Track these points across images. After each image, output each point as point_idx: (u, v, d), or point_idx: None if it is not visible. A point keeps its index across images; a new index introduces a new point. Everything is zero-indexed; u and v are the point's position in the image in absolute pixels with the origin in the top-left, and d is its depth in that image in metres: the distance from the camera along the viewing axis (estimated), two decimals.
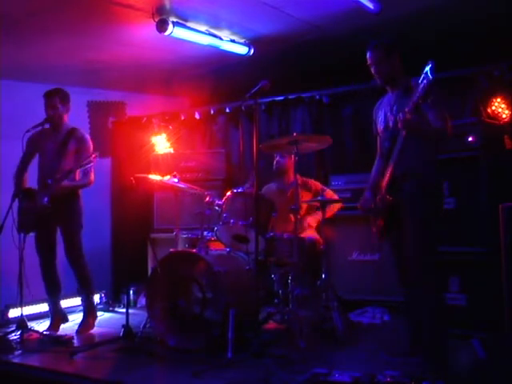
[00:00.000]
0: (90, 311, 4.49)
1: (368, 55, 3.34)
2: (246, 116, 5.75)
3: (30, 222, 4.14)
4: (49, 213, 4.09)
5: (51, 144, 4.31)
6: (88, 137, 4.44)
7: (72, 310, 5.01)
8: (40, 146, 4.35)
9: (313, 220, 4.65)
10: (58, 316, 4.46)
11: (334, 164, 5.28)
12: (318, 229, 4.75)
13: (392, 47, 3.32)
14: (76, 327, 4.42)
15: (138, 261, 5.69)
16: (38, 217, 4.11)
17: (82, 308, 4.58)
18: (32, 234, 4.25)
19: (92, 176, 4.35)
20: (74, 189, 4.31)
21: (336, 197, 4.65)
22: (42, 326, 4.48)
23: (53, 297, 4.45)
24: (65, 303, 4.77)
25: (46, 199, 4.06)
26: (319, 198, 4.39)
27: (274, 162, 4.81)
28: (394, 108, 3.30)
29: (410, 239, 3.16)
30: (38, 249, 4.35)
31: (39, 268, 4.38)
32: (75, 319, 4.70)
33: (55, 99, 4.29)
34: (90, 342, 3.99)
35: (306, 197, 4.64)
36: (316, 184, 4.78)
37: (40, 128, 4.19)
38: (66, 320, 4.52)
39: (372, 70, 3.35)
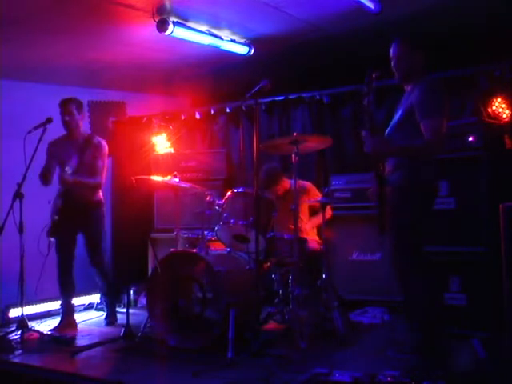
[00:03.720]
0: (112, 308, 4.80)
1: (392, 49, 3.29)
2: (246, 116, 5.75)
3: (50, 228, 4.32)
4: (68, 218, 4.31)
5: (71, 154, 4.42)
6: (104, 143, 4.59)
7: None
8: (61, 156, 4.46)
9: (308, 223, 4.65)
10: (68, 320, 4.48)
11: (335, 164, 5.27)
12: (319, 230, 4.77)
13: (417, 45, 3.27)
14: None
15: (139, 261, 5.69)
16: (56, 222, 4.27)
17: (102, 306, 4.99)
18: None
19: (102, 178, 4.55)
20: (84, 185, 4.44)
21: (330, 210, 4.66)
22: (42, 325, 4.49)
23: (67, 298, 4.52)
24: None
25: (60, 203, 4.31)
26: (319, 199, 4.40)
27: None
28: (397, 108, 3.32)
29: (390, 238, 3.20)
30: (58, 251, 4.46)
31: (56, 268, 4.50)
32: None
33: (71, 106, 4.43)
34: (90, 342, 3.99)
35: (304, 199, 4.64)
36: (315, 189, 4.77)
37: (42, 129, 4.21)
38: (74, 328, 4.51)
39: (392, 64, 3.29)
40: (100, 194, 4.65)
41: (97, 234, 4.61)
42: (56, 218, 4.26)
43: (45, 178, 4.40)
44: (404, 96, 3.32)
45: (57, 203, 4.34)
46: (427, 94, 3.08)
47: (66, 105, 4.42)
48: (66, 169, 4.19)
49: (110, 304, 4.82)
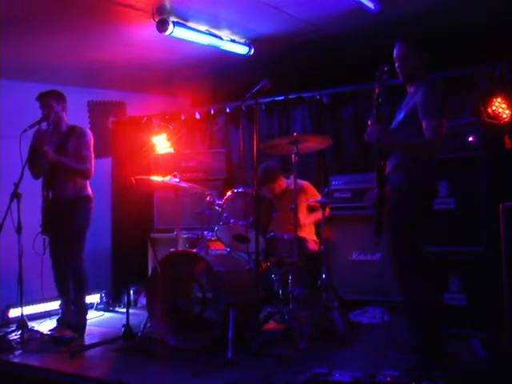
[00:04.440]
0: (80, 312, 4.41)
1: (396, 48, 3.29)
2: (246, 116, 5.75)
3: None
4: (58, 218, 4.23)
5: (51, 144, 4.29)
6: (88, 131, 4.43)
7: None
8: (41, 144, 4.30)
9: (307, 219, 4.65)
10: (66, 321, 4.39)
11: (334, 164, 5.27)
12: (317, 230, 4.77)
13: (421, 45, 3.27)
14: None
15: (139, 261, 5.69)
16: (46, 221, 4.24)
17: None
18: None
19: (90, 165, 4.32)
20: (70, 168, 4.27)
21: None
22: (42, 325, 4.49)
23: (65, 298, 4.44)
24: None
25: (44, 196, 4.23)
26: (319, 199, 4.40)
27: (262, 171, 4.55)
28: (400, 109, 3.32)
29: (389, 238, 3.20)
30: (50, 251, 4.37)
31: (51, 269, 4.40)
32: None
33: (49, 98, 4.28)
34: (90, 342, 3.99)
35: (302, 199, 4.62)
36: (312, 189, 4.77)
37: (37, 127, 4.20)
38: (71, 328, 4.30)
39: (396, 65, 3.29)
40: (88, 189, 4.44)
41: (79, 229, 4.34)
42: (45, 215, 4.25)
43: (32, 168, 4.30)
44: (407, 97, 3.33)
45: (46, 195, 4.26)
46: (430, 94, 3.10)
47: (43, 98, 4.29)
48: (45, 148, 4.08)
49: (78, 313, 4.34)
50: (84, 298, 4.42)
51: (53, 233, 4.32)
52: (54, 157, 4.18)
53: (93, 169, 4.36)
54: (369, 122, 3.22)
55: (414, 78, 3.26)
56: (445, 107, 3.10)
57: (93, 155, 4.39)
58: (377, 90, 3.24)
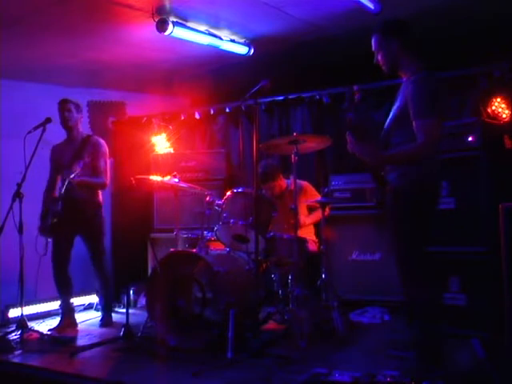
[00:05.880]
0: (108, 308, 4.73)
1: (372, 43, 3.20)
2: (246, 116, 5.75)
3: (47, 228, 4.37)
4: (66, 219, 4.34)
5: (68, 154, 4.49)
6: (103, 142, 4.61)
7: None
8: (60, 159, 4.56)
9: (307, 219, 4.65)
10: (67, 320, 4.49)
11: (334, 164, 5.26)
12: (316, 230, 4.76)
13: (388, 31, 3.12)
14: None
15: (138, 261, 5.69)
16: (54, 222, 4.32)
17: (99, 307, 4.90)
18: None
19: (106, 178, 4.58)
20: (90, 185, 4.49)
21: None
22: (42, 325, 4.49)
23: (65, 297, 4.54)
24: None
25: (59, 206, 4.31)
26: (319, 199, 4.40)
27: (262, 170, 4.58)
28: (396, 99, 3.24)
29: (391, 237, 3.18)
30: (53, 252, 4.46)
31: (51, 270, 4.48)
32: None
33: (70, 104, 4.50)
34: (90, 342, 3.99)
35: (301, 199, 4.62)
36: (312, 189, 4.77)
37: (42, 129, 4.23)
38: (74, 328, 4.54)
39: (375, 59, 3.21)
40: (100, 196, 4.66)
41: (97, 237, 4.61)
42: (55, 220, 4.29)
43: (48, 192, 4.55)
44: (402, 86, 3.19)
45: (55, 206, 4.32)
46: (418, 92, 2.96)
47: (65, 102, 4.50)
48: (71, 176, 4.22)
49: (106, 306, 4.74)
50: (111, 293, 4.81)
51: (64, 235, 4.45)
52: (79, 181, 4.31)
53: (108, 180, 4.61)
54: (348, 138, 3.15)
55: (396, 67, 3.14)
56: (435, 105, 2.93)
57: (108, 166, 4.60)
58: (348, 115, 3.18)
